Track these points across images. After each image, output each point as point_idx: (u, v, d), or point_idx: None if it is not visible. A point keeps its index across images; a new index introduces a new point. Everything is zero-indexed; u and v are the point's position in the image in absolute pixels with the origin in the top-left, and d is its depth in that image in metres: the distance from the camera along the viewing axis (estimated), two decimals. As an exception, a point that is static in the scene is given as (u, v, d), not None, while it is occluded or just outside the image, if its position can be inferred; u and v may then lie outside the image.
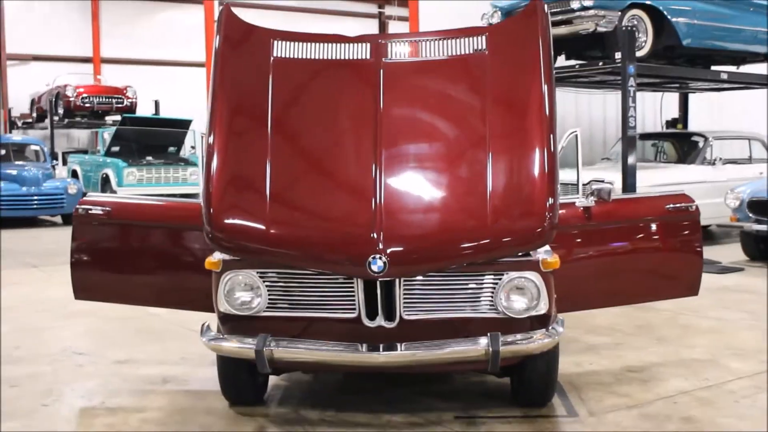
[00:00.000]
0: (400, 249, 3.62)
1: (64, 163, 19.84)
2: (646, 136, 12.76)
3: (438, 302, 3.75)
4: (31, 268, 9.80)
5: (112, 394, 4.65)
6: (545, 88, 3.96)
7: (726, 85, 12.53)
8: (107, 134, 18.02)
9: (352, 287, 3.71)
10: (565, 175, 5.18)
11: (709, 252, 9.56)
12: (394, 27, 28.48)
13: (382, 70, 4.17)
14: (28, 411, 4.36)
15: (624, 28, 9.53)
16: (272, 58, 4.23)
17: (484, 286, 3.75)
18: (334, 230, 3.79)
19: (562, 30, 9.82)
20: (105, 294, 4.78)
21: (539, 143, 3.85)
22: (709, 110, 14.48)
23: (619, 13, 9.72)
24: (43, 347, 5.78)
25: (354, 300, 3.72)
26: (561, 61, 11.03)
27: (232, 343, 3.85)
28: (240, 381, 4.21)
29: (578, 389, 4.55)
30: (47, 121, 21.94)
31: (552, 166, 3.81)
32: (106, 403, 4.50)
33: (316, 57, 4.26)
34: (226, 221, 3.81)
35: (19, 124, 24.56)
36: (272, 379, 4.50)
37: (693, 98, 14.22)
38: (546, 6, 4.23)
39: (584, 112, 15.30)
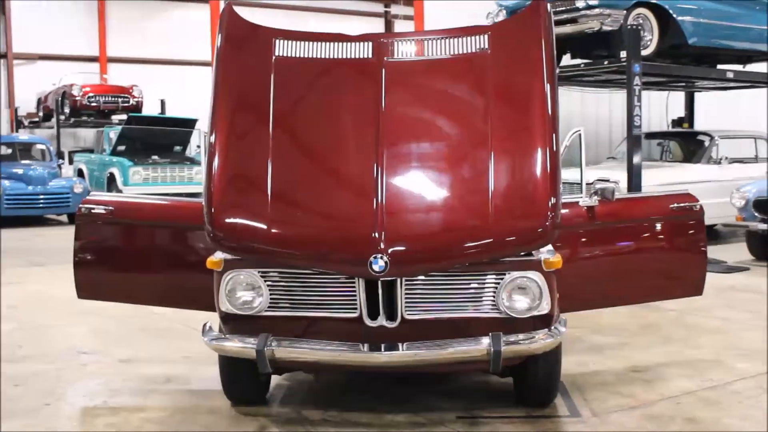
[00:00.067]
0: (402, 248, 3.61)
1: (70, 162, 19.91)
2: (651, 135, 12.73)
3: (440, 302, 3.73)
4: (36, 267, 9.83)
5: (115, 393, 4.66)
6: (548, 87, 3.94)
7: (732, 84, 12.48)
8: (113, 133, 18.05)
9: (354, 287, 3.70)
10: (570, 175, 5.18)
11: (715, 251, 9.55)
12: (400, 26, 28.47)
13: (384, 70, 4.15)
14: (30, 410, 4.36)
15: (629, 27, 9.50)
16: (274, 57, 4.22)
17: (486, 285, 3.74)
18: (336, 230, 3.79)
19: (568, 29, 9.79)
20: (108, 293, 4.77)
21: (541, 142, 3.84)
22: (716, 109, 14.43)
23: (625, 11, 9.69)
24: (47, 346, 5.79)
25: (355, 300, 3.71)
26: (566, 60, 10.99)
27: (234, 343, 3.85)
28: (242, 381, 4.21)
29: (582, 389, 4.53)
30: (53, 120, 22.06)
31: (554, 165, 3.79)
32: (109, 402, 4.51)
33: (318, 56, 4.24)
34: (228, 220, 3.81)
35: (26, 123, 24.70)
36: (274, 379, 4.50)
37: (699, 97, 14.17)
38: (549, 5, 4.22)
39: (591, 112, 15.25)
